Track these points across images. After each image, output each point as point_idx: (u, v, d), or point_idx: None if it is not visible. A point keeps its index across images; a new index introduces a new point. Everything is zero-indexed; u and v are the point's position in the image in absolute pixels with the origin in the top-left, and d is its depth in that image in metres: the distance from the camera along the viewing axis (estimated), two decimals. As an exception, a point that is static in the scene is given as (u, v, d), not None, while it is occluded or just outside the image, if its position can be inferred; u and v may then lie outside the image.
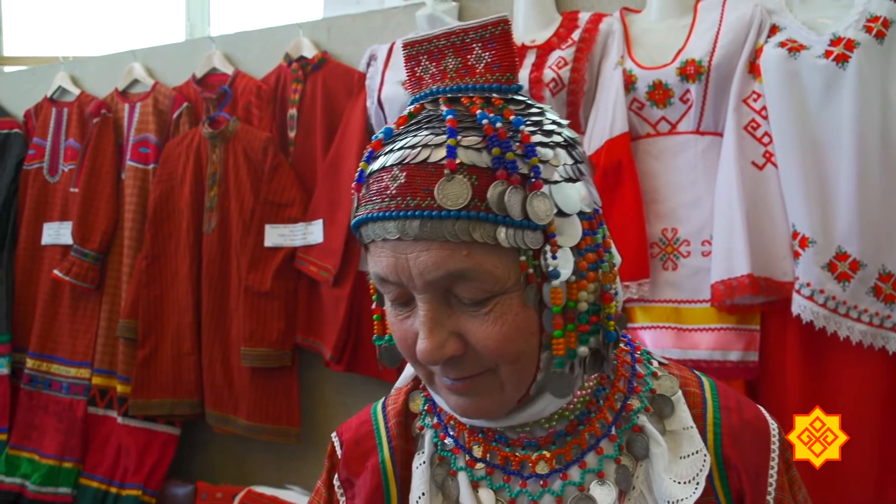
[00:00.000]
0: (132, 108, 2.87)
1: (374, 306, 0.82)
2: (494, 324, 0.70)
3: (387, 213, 0.69)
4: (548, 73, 2.05)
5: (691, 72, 1.91)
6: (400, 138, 0.73)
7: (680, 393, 0.81)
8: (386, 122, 2.33)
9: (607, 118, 2.00)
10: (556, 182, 0.71)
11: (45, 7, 4.00)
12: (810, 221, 1.79)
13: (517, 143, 0.70)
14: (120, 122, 2.91)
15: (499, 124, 0.70)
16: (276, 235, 2.52)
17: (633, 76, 1.98)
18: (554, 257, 0.69)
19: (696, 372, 0.86)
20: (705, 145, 1.95)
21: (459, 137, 0.69)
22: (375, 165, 0.73)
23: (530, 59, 2.11)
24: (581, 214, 0.73)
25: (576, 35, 2.09)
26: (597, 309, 0.74)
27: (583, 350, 0.72)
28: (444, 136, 0.69)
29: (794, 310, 1.80)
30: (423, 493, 0.81)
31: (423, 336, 0.70)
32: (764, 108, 1.88)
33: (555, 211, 0.70)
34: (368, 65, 2.45)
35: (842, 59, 1.76)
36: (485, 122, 0.70)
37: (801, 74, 1.81)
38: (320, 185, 2.48)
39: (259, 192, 2.54)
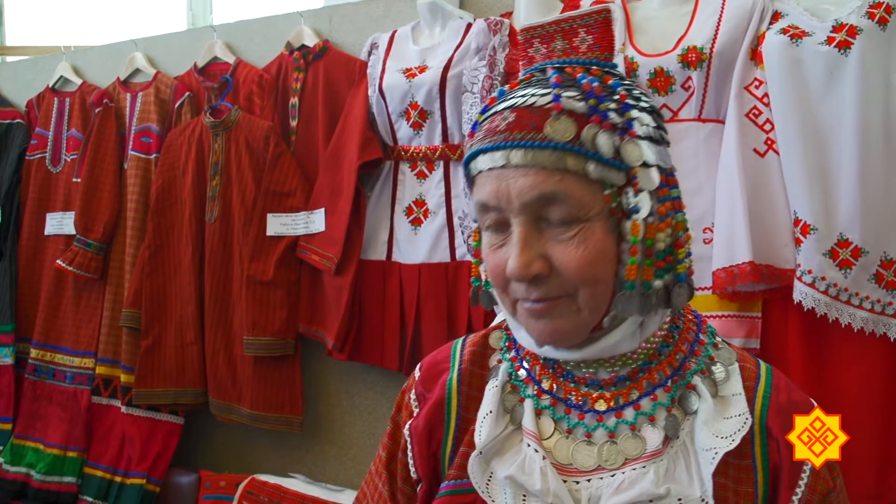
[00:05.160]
0: (134, 98, 2.87)
1: (473, 252, 0.93)
2: (578, 247, 0.80)
3: (496, 144, 0.81)
4: (549, 61, 2.04)
5: (693, 59, 1.91)
6: (510, 95, 0.86)
7: (737, 365, 0.90)
8: (387, 111, 2.35)
9: (609, 106, 1.99)
10: (642, 138, 0.82)
11: (47, -3, 4.00)
12: (812, 208, 1.79)
13: (612, 101, 0.82)
14: (122, 111, 2.90)
15: (595, 83, 0.82)
16: (279, 224, 2.52)
17: (634, 63, 1.97)
18: (636, 195, 0.80)
19: (757, 358, 0.95)
20: (707, 133, 1.94)
21: (562, 90, 0.82)
22: (487, 114, 0.86)
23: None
24: (660, 168, 0.83)
25: (577, 22, 2.09)
26: (671, 251, 0.85)
27: (657, 283, 0.83)
28: (550, 90, 0.82)
29: (796, 297, 1.80)
30: (491, 412, 0.91)
31: (514, 254, 0.80)
32: (766, 95, 1.87)
33: (642, 159, 0.81)
34: (370, 53, 2.45)
35: (844, 46, 1.76)
36: (584, 80, 0.82)
37: (804, 61, 1.80)
38: (322, 174, 2.47)
39: (261, 182, 2.54)
